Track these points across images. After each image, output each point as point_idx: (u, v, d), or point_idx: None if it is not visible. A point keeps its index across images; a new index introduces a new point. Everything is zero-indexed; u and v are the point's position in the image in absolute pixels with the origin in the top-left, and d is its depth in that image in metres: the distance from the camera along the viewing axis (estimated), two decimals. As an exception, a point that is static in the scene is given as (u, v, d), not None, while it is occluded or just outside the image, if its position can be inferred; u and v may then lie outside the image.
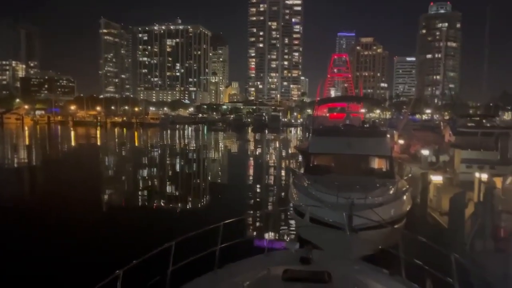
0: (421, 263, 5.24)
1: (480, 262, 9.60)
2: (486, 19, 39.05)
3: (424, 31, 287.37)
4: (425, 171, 18.29)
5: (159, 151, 51.57)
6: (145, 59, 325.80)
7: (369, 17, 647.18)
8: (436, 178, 17.06)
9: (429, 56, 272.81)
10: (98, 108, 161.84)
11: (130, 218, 17.59)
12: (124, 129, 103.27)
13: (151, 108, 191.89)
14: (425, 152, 26.28)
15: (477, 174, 14.77)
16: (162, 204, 21.71)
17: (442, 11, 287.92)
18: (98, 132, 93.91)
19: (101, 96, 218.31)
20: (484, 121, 36.52)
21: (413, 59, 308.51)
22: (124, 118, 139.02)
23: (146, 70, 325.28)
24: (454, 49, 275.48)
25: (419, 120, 72.25)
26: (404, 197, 12.54)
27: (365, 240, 9.34)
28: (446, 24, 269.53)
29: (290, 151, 51.87)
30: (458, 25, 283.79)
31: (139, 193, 24.45)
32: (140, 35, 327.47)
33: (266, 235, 10.16)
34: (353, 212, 9.52)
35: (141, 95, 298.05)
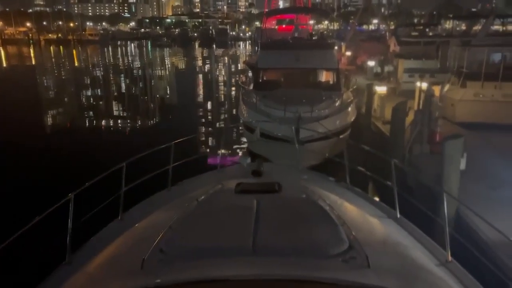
0: (364, 169, 5.59)
1: (416, 164, 10.42)
2: None
3: None
4: (370, 82, 18.82)
5: (102, 71, 48.99)
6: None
7: None
8: (380, 89, 17.64)
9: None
10: (28, 24, 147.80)
11: (76, 141, 17.12)
12: (61, 47, 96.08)
13: (88, 23, 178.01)
14: (371, 63, 26.83)
15: (418, 83, 15.43)
16: (110, 126, 21.18)
17: None
18: (31, 51, 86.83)
19: (30, 10, 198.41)
20: (427, 30, 37.32)
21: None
22: (60, 35, 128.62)
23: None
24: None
25: (366, 31, 72.52)
26: (349, 109, 13.01)
27: (312, 151, 9.76)
28: None
29: (239, 67, 51.09)
30: None
31: (85, 114, 23.57)
32: None
33: (218, 152, 10.32)
34: (300, 125, 9.82)
35: (76, 8, 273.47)
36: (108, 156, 13.31)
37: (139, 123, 21.91)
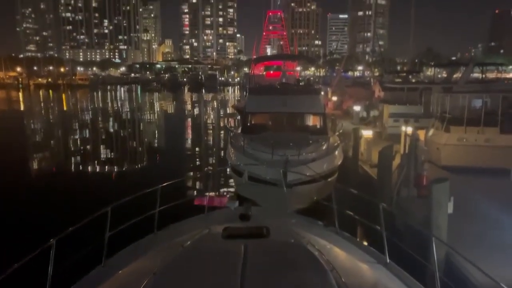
0: (352, 213, 5.57)
1: (404, 208, 10.43)
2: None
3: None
4: (357, 126, 19.15)
5: (90, 115, 49.12)
6: (68, 14, 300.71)
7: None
8: (367, 133, 17.94)
9: (360, 13, 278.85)
10: (19, 69, 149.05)
11: (61, 185, 16.83)
12: (50, 92, 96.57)
13: (78, 68, 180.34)
14: (357, 108, 27.45)
15: (403, 128, 15.74)
16: (96, 169, 20.96)
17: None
18: (20, 95, 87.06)
19: (21, 56, 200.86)
20: (410, 76, 38.57)
21: (346, 16, 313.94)
22: (49, 80, 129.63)
23: (70, 27, 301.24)
24: (383, 7, 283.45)
25: (351, 77, 74.73)
26: (336, 152, 13.13)
27: (300, 195, 9.73)
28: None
29: (228, 111, 51.73)
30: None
31: (72, 158, 23.35)
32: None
33: (206, 195, 10.24)
34: (287, 169, 9.84)
35: (67, 54, 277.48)
36: (93, 200, 13.09)
37: (126, 166, 21.73)
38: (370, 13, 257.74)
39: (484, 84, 21.42)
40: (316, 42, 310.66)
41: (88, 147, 27.54)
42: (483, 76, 27.18)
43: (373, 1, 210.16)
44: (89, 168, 20.97)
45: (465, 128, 15.11)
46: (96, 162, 22.38)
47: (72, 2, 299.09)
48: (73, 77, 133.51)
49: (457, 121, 15.33)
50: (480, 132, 14.98)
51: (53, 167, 21.46)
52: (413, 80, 35.73)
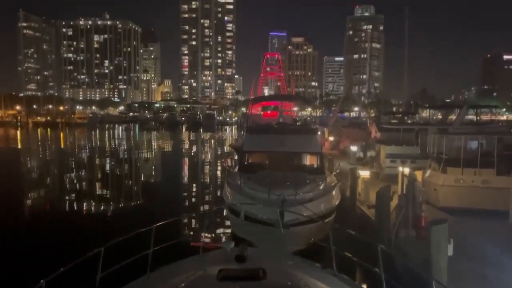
0: (350, 255, 5.47)
1: (403, 250, 10.25)
2: (405, 20, 41.70)
3: (350, 32, 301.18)
4: (354, 167, 19.17)
5: (88, 153, 49.10)
6: (70, 55, 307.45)
7: (299, 17, 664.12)
8: (364, 173, 17.95)
9: (355, 56, 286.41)
10: (18, 107, 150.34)
11: (54, 224, 16.54)
12: (48, 130, 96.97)
13: (78, 107, 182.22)
14: (354, 148, 27.60)
15: (400, 168, 15.75)
16: (90, 208, 20.68)
17: (366, 14, 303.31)
18: (18, 133, 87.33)
19: (21, 94, 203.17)
20: (405, 118, 39.14)
21: (341, 59, 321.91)
22: (48, 118, 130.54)
23: (71, 67, 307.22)
24: (378, 50, 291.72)
25: (347, 118, 75.71)
26: (333, 192, 13.05)
27: (297, 235, 9.58)
28: (371, 26, 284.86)
29: (225, 150, 51.87)
30: (381, 28, 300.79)
31: (66, 197, 23.09)
32: (64, 29, 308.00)
33: (201, 236, 10.06)
34: (284, 208, 9.75)
35: (67, 93, 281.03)
36: (85, 240, 12.85)
37: (121, 205, 21.48)
38: (365, 56, 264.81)
39: (479, 126, 21.70)
40: (313, 83, 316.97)
41: (83, 185, 27.32)
42: (478, 118, 27.58)
43: (368, 45, 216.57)
44: (83, 207, 20.69)
45: (462, 169, 15.14)
46: (90, 200, 22.12)
47: (74, 43, 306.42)
48: (72, 116, 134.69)
49: (454, 162, 15.38)
50: (477, 173, 15.00)
51: (47, 205, 21.18)
52: (409, 121, 36.21)
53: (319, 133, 21.46)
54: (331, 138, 37.98)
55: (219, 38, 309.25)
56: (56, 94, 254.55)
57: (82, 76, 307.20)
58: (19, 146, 59.38)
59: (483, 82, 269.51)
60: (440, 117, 37.55)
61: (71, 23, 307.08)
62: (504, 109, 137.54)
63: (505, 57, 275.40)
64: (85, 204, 21.23)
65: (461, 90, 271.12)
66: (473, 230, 11.57)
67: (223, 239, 13.70)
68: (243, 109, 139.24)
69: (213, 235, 14.86)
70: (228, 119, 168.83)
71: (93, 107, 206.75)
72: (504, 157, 15.27)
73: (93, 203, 21.52)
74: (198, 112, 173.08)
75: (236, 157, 21.64)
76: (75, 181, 28.81)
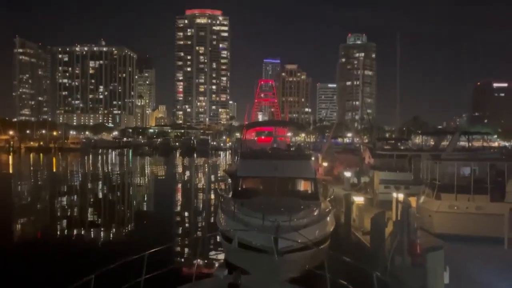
0: (345, 283, 5.38)
1: (399, 277, 10.12)
2: (396, 49, 42.62)
3: (343, 59, 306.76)
4: (348, 192, 19.13)
5: (80, 178, 48.64)
6: (65, 80, 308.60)
7: (293, 44, 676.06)
8: (358, 199, 17.90)
9: (348, 83, 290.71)
10: (11, 133, 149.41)
11: (45, 249, 16.21)
12: (41, 155, 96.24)
13: (71, 132, 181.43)
14: (347, 174, 27.58)
15: (394, 194, 15.73)
16: (81, 234, 20.33)
17: (358, 42, 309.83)
18: (10, 158, 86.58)
19: (15, 119, 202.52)
20: (399, 144, 39.36)
21: (334, 85, 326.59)
22: (41, 143, 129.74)
23: (66, 93, 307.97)
24: (370, 77, 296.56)
25: (341, 143, 76.05)
26: (328, 218, 12.96)
27: (292, 262, 9.44)
28: (363, 54, 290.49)
29: (219, 175, 51.65)
30: (373, 55, 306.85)
31: (58, 223, 22.72)
32: (60, 55, 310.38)
33: (194, 263, 9.87)
34: (279, 235, 9.64)
35: (61, 118, 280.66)
36: (76, 267, 12.56)
37: (113, 232, 21.14)
38: (357, 83, 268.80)
39: (471, 152, 21.84)
40: (306, 109, 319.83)
41: (74, 211, 26.92)
42: (470, 144, 27.81)
43: (361, 72, 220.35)
44: (74, 233, 20.34)
45: (456, 195, 15.14)
46: (81, 227, 21.75)
47: (70, 69, 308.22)
48: (65, 141, 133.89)
49: (448, 188, 15.38)
50: (471, 200, 15.00)
51: (37, 232, 20.80)
52: (402, 147, 36.41)
53: (313, 158, 21.50)
54: (325, 164, 38.01)
55: (214, 65, 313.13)
56: (49, 119, 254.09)
57: (77, 101, 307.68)
58: (10, 171, 58.75)
59: (474, 109, 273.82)
60: (432, 143, 37.84)
61: (67, 49, 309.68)
62: (495, 136, 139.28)
63: (495, 85, 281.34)
64: (76, 230, 20.88)
65: (453, 117, 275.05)
66: (468, 257, 11.48)
67: (216, 267, 13.46)
68: (237, 135, 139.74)
69: (206, 262, 14.61)
70: (222, 145, 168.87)
71: (87, 132, 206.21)
72: (497, 184, 15.31)
73: (84, 230, 21.16)
74: (192, 138, 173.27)
75: (230, 182, 21.54)
76: (66, 207, 28.40)
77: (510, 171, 15.41)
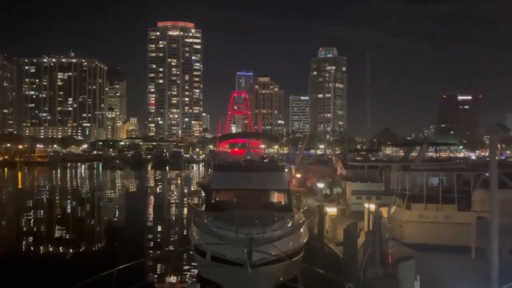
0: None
1: (372, 288, 10.19)
2: (366, 63, 43.75)
3: (315, 72, 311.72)
4: (321, 203, 19.24)
5: (47, 193, 47.06)
6: (32, 92, 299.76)
7: (265, 57, 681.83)
8: (331, 210, 18.01)
9: (320, 95, 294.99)
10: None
11: (10, 268, 15.51)
12: (5, 169, 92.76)
13: (38, 145, 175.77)
14: (320, 185, 27.83)
15: (366, 205, 15.93)
16: (49, 252, 19.59)
17: (329, 55, 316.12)
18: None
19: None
20: (369, 155, 40.10)
21: (307, 98, 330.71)
22: (6, 157, 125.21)
23: (33, 105, 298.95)
24: (341, 90, 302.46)
25: (313, 155, 76.81)
26: (301, 230, 12.96)
27: (266, 275, 9.36)
28: (334, 67, 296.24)
29: (192, 188, 51.07)
30: (344, 69, 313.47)
31: (22, 240, 21.83)
32: (26, 67, 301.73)
33: (166, 278, 9.65)
34: (252, 248, 9.55)
35: (27, 131, 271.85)
36: (43, 286, 12.07)
37: (82, 247, 20.47)
38: (329, 95, 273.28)
39: (439, 162, 22.43)
40: (279, 121, 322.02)
41: (40, 227, 25.98)
42: (437, 155, 28.59)
43: (332, 85, 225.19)
44: (41, 250, 19.58)
45: (425, 205, 15.47)
46: (48, 243, 20.98)
47: (37, 80, 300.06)
48: (32, 154, 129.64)
49: (417, 198, 15.71)
50: (439, 209, 15.35)
51: (1, 249, 19.91)
52: (373, 158, 37.08)
53: (286, 170, 21.57)
54: (298, 175, 38.25)
55: (187, 77, 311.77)
56: (15, 132, 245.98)
57: (44, 114, 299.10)
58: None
59: (441, 121, 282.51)
60: (402, 154, 38.73)
61: (34, 60, 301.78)
62: (461, 147, 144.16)
63: (460, 97, 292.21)
64: (42, 247, 20.11)
65: (421, 128, 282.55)
66: (438, 266, 11.70)
67: (189, 281, 13.20)
68: (211, 147, 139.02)
69: (179, 277, 14.31)
70: (195, 157, 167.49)
71: (55, 145, 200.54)
72: (464, 193, 15.75)
73: (51, 247, 20.42)
74: (165, 150, 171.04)
75: (203, 195, 21.32)
76: (31, 223, 27.37)
77: (475, 181, 15.89)
